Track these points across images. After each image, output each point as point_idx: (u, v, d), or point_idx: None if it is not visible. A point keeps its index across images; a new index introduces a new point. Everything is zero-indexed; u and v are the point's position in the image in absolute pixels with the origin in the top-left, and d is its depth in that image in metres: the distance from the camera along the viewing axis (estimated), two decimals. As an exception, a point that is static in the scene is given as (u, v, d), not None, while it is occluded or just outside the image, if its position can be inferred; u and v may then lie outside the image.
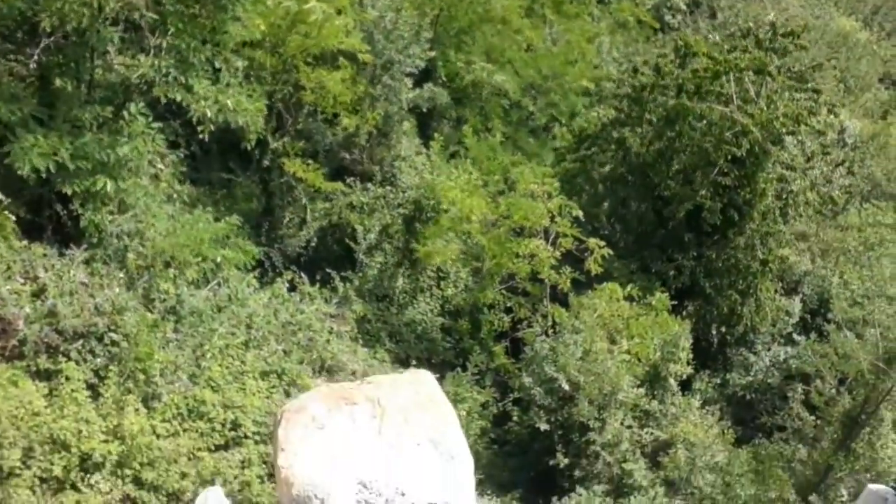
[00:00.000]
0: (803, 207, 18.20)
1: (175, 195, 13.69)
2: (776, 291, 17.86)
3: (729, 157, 16.30)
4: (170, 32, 11.86)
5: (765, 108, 16.52)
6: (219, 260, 13.14)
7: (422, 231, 16.05)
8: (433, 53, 18.21)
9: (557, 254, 15.73)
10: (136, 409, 10.64)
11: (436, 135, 18.28)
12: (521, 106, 20.86)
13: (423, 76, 18.32)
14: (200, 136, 12.53)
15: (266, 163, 15.72)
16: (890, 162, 24.97)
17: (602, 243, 15.84)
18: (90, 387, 10.67)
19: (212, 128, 12.52)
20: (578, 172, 18.66)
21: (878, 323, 15.49)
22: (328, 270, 15.55)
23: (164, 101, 12.14)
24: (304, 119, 16.21)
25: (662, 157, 17.12)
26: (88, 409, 10.35)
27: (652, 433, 14.41)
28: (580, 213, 16.10)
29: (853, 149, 24.82)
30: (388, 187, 17.00)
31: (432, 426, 7.21)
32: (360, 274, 15.96)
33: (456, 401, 13.01)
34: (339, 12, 15.44)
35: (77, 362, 10.70)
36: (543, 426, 13.85)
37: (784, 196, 17.56)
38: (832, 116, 18.53)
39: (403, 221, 16.40)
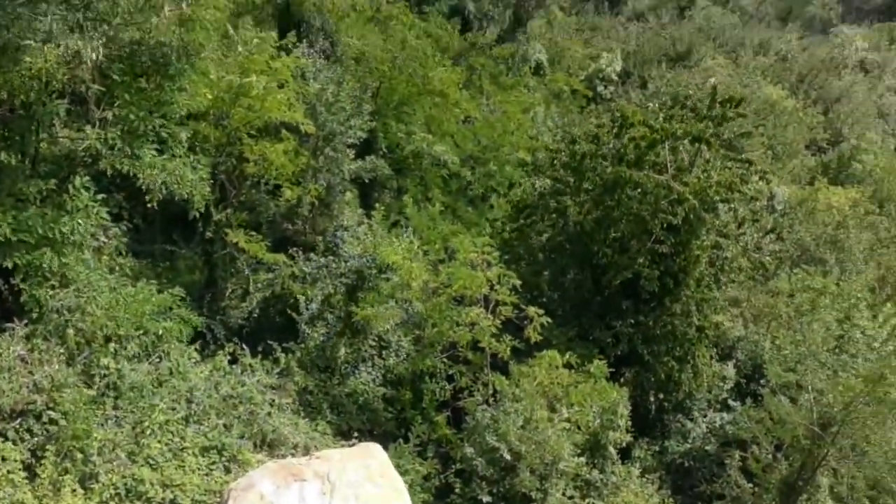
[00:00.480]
0: (736, 273, 18.73)
1: (117, 268, 13.63)
2: (711, 357, 18.26)
3: (665, 225, 16.73)
4: (116, 104, 11.98)
5: (700, 177, 17.04)
6: (160, 332, 13.07)
7: (364, 298, 16.14)
8: (374, 125, 18.53)
9: (497, 322, 15.88)
10: (73, 490, 10.42)
11: (377, 205, 18.49)
12: (460, 176, 21.27)
13: (365, 147, 18.62)
14: (149, 204, 12.60)
15: (209, 234, 15.73)
16: (818, 227, 25.85)
17: (541, 311, 16.05)
18: (27, 467, 10.46)
19: (160, 196, 12.62)
20: (517, 241, 18.97)
21: (811, 387, 15.86)
22: (270, 342, 15.50)
23: (109, 173, 12.18)
24: (247, 190, 16.33)
25: (600, 225, 17.48)
26: (24, 491, 10.13)
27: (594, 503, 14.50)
28: (518, 283, 16.31)
29: (782, 215, 25.78)
30: (331, 257, 17.10)
31: (383, 501, 7.24)
32: (303, 345, 15.94)
33: (398, 473, 12.96)
34: (281, 86, 15.69)
35: (14, 442, 10.51)
36: (486, 498, 13.85)
37: (717, 263, 18.07)
38: (763, 183, 19.19)
39: (346, 291, 16.47)
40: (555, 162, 18.60)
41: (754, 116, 32.52)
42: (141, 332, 12.72)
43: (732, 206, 18.41)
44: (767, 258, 20.44)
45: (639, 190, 17.32)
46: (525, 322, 16.03)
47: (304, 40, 19.03)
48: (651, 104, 20.45)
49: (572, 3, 52.07)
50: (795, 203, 27.67)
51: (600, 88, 34.90)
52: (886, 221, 28.74)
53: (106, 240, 13.73)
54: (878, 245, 26.82)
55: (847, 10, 76.18)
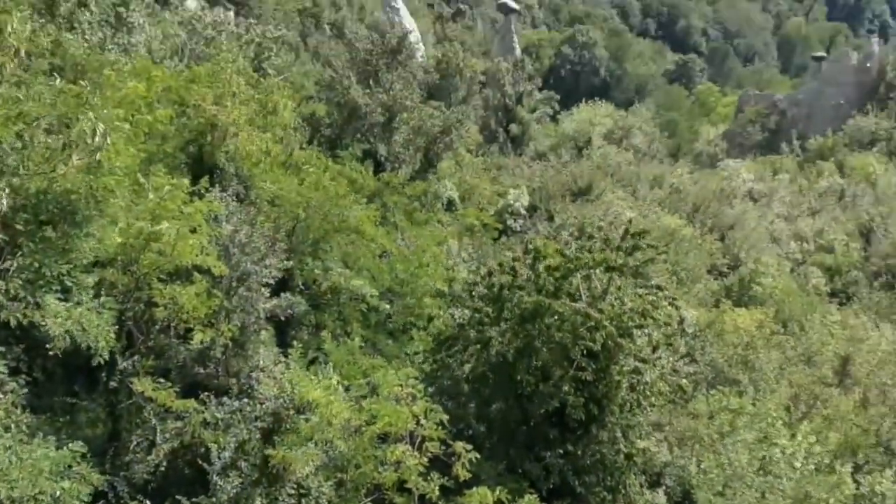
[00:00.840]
0: (656, 397, 18.82)
1: (13, 425, 12.66)
2: (641, 486, 18.02)
3: (585, 351, 16.85)
4: (19, 254, 11.55)
5: (615, 304, 17.39)
6: (58, 494, 12.09)
7: (281, 441, 15.39)
8: (290, 264, 18.36)
9: (424, 459, 15.33)
10: None
11: (294, 342, 18.03)
12: (378, 310, 21.12)
13: (281, 285, 18.33)
14: (51, 352, 11.99)
15: (114, 384, 14.91)
16: (728, 348, 26.52)
17: (469, 446, 15.52)
18: None
19: (66, 343, 12.05)
20: (440, 373, 18.73)
21: (743, 511, 15.73)
22: (178, 497, 14.43)
23: (12, 324, 11.58)
24: (156, 336, 15.66)
25: (522, 354, 17.48)
26: None
27: None
28: (445, 417, 15.89)
29: (693, 337, 26.36)
30: (246, 400, 16.30)
31: None
32: (214, 498, 14.89)
33: None
34: (193, 230, 15.46)
35: None
36: None
37: (638, 387, 18.15)
38: (673, 309, 19.67)
39: (262, 435, 15.67)
40: (473, 294, 18.75)
41: (657, 244, 33.69)
42: (37, 492, 11.74)
43: (646, 331, 18.73)
44: (684, 381, 20.66)
45: (556, 318, 17.52)
46: (452, 458, 15.51)
47: (217, 185, 18.99)
48: (563, 234, 21.04)
49: (478, 146, 54.37)
50: (704, 325, 28.44)
51: (510, 222, 36.20)
52: (792, 340, 29.77)
53: (2, 396, 12.88)
54: (788, 363, 27.63)
55: (731, 146, 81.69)
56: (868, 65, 77.40)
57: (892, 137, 68.29)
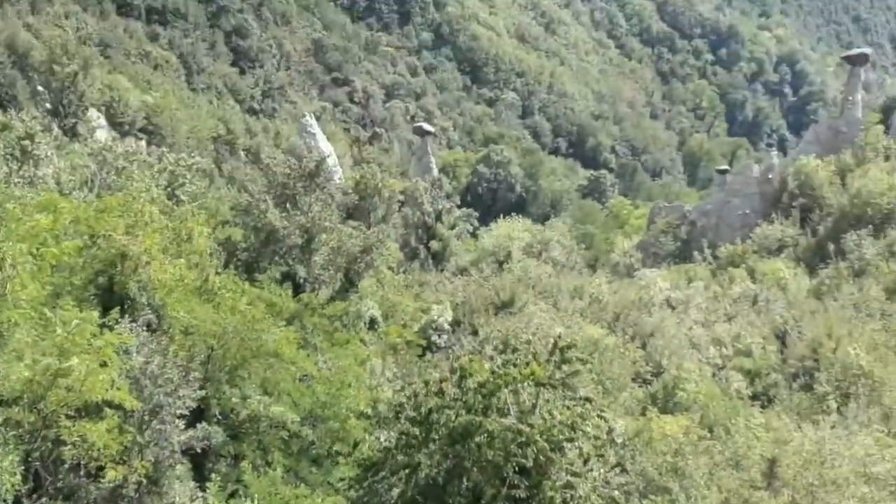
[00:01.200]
0: (590, 512, 18.47)
1: None
2: None
3: (517, 468, 16.53)
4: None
5: (546, 417, 17.23)
6: None
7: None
8: (204, 393, 17.81)
9: None
10: None
11: (212, 475, 17.30)
12: (300, 436, 20.47)
13: (197, 415, 17.69)
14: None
15: (19, 530, 13.94)
16: (657, 456, 26.42)
17: (400, 579, 14.97)
18: None
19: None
20: (368, 499, 18.06)
21: None
22: None
23: None
24: (65, 475, 14.84)
25: (452, 475, 17.03)
26: None
27: None
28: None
29: (623, 447, 26.23)
30: (162, 541, 15.47)
31: None
32: None
33: None
34: (103, 364, 14.92)
35: None
36: None
37: (571, 502, 17.78)
38: (602, 420, 19.59)
39: (180, 580, 14.76)
40: (399, 416, 18.34)
41: (585, 357, 33.87)
42: None
43: (577, 443, 18.54)
44: (616, 492, 20.40)
45: (486, 435, 17.24)
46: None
47: (128, 315, 18.48)
48: (487, 347, 20.98)
49: (400, 263, 54.62)
50: (633, 434, 28.34)
51: (434, 338, 36.03)
52: (719, 445, 29.87)
53: None
54: (716, 468, 27.61)
55: (646, 256, 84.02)
56: (770, 176, 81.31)
57: (799, 244, 71.20)
